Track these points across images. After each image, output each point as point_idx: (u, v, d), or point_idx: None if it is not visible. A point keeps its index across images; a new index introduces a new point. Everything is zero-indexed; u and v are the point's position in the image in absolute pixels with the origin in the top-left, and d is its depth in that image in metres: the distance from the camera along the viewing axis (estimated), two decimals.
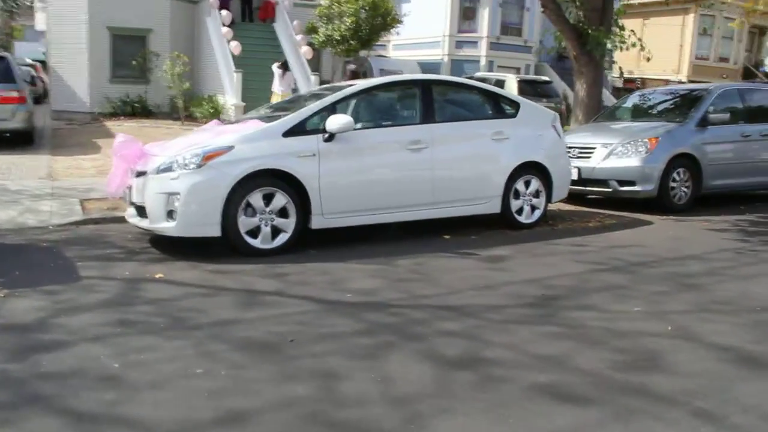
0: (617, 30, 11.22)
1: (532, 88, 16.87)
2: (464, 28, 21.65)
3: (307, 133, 5.89)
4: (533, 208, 7.21)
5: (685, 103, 9.44)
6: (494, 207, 6.93)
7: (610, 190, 8.53)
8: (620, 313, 4.39)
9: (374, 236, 6.45)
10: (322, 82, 15.20)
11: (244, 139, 5.67)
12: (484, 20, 21.47)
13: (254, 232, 5.62)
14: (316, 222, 5.90)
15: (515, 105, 7.25)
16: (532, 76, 18.72)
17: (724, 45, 28.57)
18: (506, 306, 4.50)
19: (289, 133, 5.82)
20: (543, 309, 4.44)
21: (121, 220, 7.04)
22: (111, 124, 15.04)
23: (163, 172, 5.53)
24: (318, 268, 5.36)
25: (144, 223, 5.74)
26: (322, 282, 4.97)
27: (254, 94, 14.60)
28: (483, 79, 17.57)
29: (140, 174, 5.80)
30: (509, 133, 6.98)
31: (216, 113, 14.57)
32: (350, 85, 6.69)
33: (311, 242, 5.98)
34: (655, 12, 26.78)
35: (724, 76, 27.19)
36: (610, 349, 3.74)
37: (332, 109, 6.07)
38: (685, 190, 8.60)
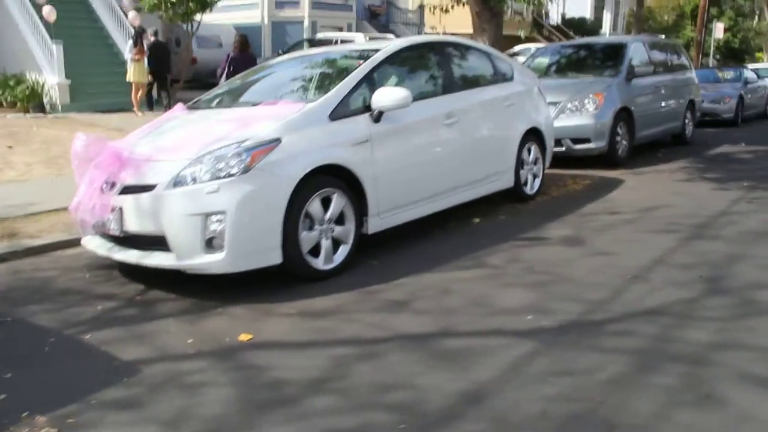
0: None
1: None
2: None
3: (352, 114, 4.53)
4: (533, 176, 6.62)
5: (603, 57, 9.52)
6: (508, 181, 6.19)
7: (563, 149, 8.26)
8: None
9: (389, 236, 5.30)
10: None
11: (288, 127, 4.13)
12: None
13: (313, 250, 4.19)
14: (373, 225, 4.61)
15: (509, 66, 6.51)
16: (378, 35, 17.96)
17: None
18: (697, 298, 3.85)
19: (335, 115, 4.41)
20: (731, 294, 3.87)
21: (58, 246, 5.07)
22: None
23: (189, 184, 3.81)
24: (422, 284, 4.16)
25: (155, 259, 3.95)
26: (466, 305, 3.82)
27: (78, 70, 11.75)
28: (328, 41, 16.56)
29: (129, 190, 3.97)
30: (513, 98, 6.25)
31: (35, 96, 11.46)
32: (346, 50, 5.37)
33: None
34: None
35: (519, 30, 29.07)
36: None
37: (371, 80, 4.74)
38: (625, 143, 8.69)
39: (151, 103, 13.11)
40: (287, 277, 4.14)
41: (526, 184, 6.48)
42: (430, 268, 4.48)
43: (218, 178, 3.79)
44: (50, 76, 12.05)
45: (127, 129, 10.89)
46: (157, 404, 2.76)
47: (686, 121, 10.62)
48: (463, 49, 6.02)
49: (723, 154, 9.67)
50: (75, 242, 5.43)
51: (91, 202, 4.10)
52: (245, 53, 9.30)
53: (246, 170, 3.81)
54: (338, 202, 4.27)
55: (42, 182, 7.54)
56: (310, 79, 5.16)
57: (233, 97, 5.23)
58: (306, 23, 18.72)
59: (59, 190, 7.07)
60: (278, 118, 4.16)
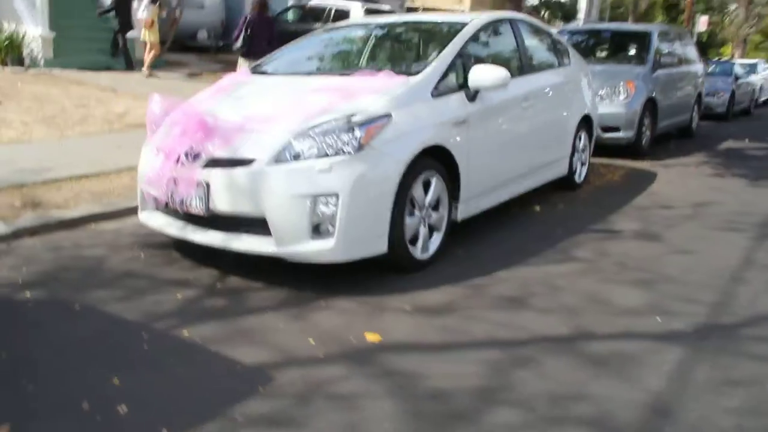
0: None
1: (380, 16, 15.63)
2: None
3: (450, 91, 4.18)
4: (582, 164, 6.43)
5: (629, 45, 9.39)
6: (563, 169, 5.99)
7: None
8: None
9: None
10: None
11: (397, 102, 3.75)
12: None
13: (413, 238, 3.86)
14: (462, 211, 4.32)
15: (566, 50, 6.25)
16: (375, 5, 17.28)
17: None
18: None
19: (436, 91, 4.05)
20: None
21: (93, 219, 4.61)
22: None
23: (295, 161, 3.40)
24: (524, 277, 3.91)
25: (247, 243, 3.54)
26: (585, 303, 3.59)
27: (61, 22, 10.82)
28: (322, 9, 15.89)
29: (219, 163, 3.53)
30: (572, 83, 6.03)
31: (14, 48, 10.49)
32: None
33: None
34: None
35: (498, 8, 28.90)
36: None
37: (463, 56, 4.39)
38: (649, 134, 8.61)
39: (129, 62, 12.26)
40: (365, 267, 3.77)
41: (575, 172, 6.29)
42: (522, 260, 4.24)
43: (328, 155, 3.41)
44: (32, 26, 11.00)
45: (121, 90, 10.21)
46: (314, 421, 2.41)
47: (693, 114, 10.66)
48: (534, 29, 5.73)
49: (734, 150, 9.72)
50: (112, 215, 4.98)
51: (167, 174, 3.64)
52: (264, 15, 8.75)
53: (359, 148, 3.44)
54: (437, 186, 3.96)
55: (48, 144, 6.88)
56: (395, 50, 4.78)
57: (313, 64, 4.79)
58: None
59: (71, 154, 6.50)
60: (384, 92, 3.78)
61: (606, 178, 7.08)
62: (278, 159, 3.42)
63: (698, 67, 10.86)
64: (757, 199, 6.37)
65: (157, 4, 11.97)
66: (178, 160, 3.63)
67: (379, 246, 3.59)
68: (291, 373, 2.71)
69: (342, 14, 15.33)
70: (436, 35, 4.80)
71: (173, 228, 3.84)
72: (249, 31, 8.53)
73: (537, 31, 5.80)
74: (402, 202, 3.64)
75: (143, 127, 8.08)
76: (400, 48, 4.84)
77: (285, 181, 3.38)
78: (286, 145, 3.43)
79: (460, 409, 2.50)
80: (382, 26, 5.24)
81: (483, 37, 4.79)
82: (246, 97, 4.02)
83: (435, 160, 3.93)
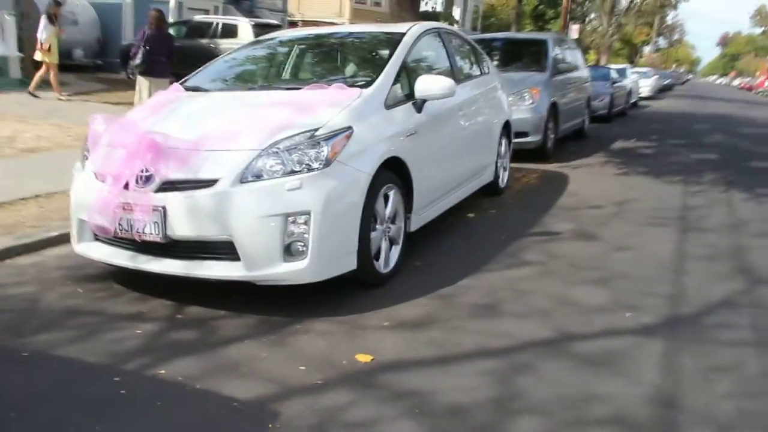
0: None
1: (269, 32, 15.28)
2: None
3: (399, 102, 4.12)
4: (504, 170, 6.60)
5: (526, 53, 9.81)
6: (489, 175, 6.11)
7: None
8: None
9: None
10: None
11: (355, 115, 3.63)
12: None
13: (376, 253, 3.75)
14: (415, 222, 4.27)
15: (485, 59, 6.41)
16: (264, 20, 16.89)
17: None
18: (750, 288, 4.02)
19: (387, 103, 3.98)
20: None
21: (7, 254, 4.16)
22: None
23: (262, 179, 3.20)
24: (488, 285, 3.92)
25: (211, 270, 3.27)
26: (555, 305, 3.65)
27: None
28: (208, 24, 15.37)
29: (175, 186, 3.25)
30: (494, 91, 6.19)
31: None
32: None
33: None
34: None
35: (378, 19, 29.35)
36: None
37: (406, 67, 4.35)
38: (553, 137, 9.03)
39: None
40: (325, 285, 3.54)
41: (498, 177, 6.44)
42: (478, 267, 4.25)
43: (295, 172, 3.23)
44: None
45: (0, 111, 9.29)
46: None
47: (585, 116, 11.34)
48: (459, 39, 5.81)
49: (627, 149, 10.41)
50: (28, 248, 4.48)
51: (114, 201, 3.30)
52: (162, 30, 8.29)
53: (327, 163, 3.29)
54: (395, 198, 3.88)
55: None
56: (334, 62, 4.64)
57: (252, 79, 4.54)
58: (172, 4, 17.06)
59: None
60: (341, 105, 3.65)
61: (523, 182, 7.32)
62: (243, 178, 3.20)
63: (586, 72, 11.57)
64: (666, 195, 6.83)
65: (56, 25, 11.17)
66: (126, 185, 3.31)
67: (350, 263, 3.45)
68: (296, 405, 2.52)
69: (229, 29, 14.99)
70: (374, 46, 4.74)
71: (121, 258, 3.49)
72: (148, 47, 8.06)
73: (462, 41, 5.90)
74: (367, 216, 3.53)
75: (37, 152, 7.50)
76: (340, 60, 4.73)
77: (253, 201, 3.17)
78: (250, 164, 3.22)
79: (483, 423, 2.43)
80: (315, 38, 5.10)
81: (418, 47, 4.78)
82: (193, 115, 3.73)
83: (391, 172, 3.86)
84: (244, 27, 14.81)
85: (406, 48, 4.45)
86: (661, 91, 31.16)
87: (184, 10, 18.88)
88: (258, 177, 3.21)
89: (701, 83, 67.23)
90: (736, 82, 64.47)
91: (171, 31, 16.38)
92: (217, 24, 15.28)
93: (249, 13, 21.55)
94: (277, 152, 3.26)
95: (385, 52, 4.43)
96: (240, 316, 3.37)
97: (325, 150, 3.31)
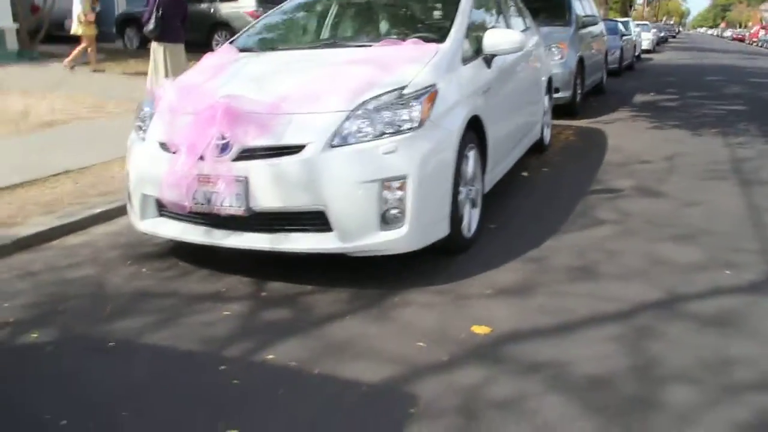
0: None
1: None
2: None
3: (471, 58, 3.86)
4: (546, 126, 6.37)
5: (548, 6, 9.46)
6: (538, 132, 5.88)
7: None
8: None
9: None
10: None
11: (438, 71, 3.37)
12: None
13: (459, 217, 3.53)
14: (488, 182, 4.04)
15: (526, 13, 6.11)
16: None
17: None
18: None
19: (462, 58, 3.71)
20: None
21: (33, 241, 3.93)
22: None
23: (354, 142, 2.96)
24: (574, 245, 3.73)
25: (301, 243, 3.04)
26: (650, 265, 3.48)
27: None
28: None
29: (256, 153, 3.00)
30: (539, 46, 5.92)
31: None
32: None
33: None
34: None
35: None
36: None
37: (472, 20, 4.08)
38: (580, 92, 8.78)
39: None
40: (404, 254, 3.25)
41: (543, 134, 6.21)
42: (555, 227, 4.07)
43: (386, 134, 2.99)
44: None
45: (5, 86, 8.87)
46: None
47: (604, 71, 11.07)
48: None
49: (650, 103, 10.20)
50: (73, 227, 4.23)
51: (189, 173, 3.05)
52: None
53: (420, 123, 3.05)
54: (474, 158, 3.65)
55: None
56: (398, 17, 4.36)
57: (313, 38, 4.26)
58: None
59: None
60: (421, 61, 3.38)
61: (561, 139, 7.11)
62: (334, 142, 2.95)
63: (602, 26, 11.27)
64: (711, 148, 6.66)
65: None
66: (201, 155, 3.05)
67: (443, 228, 3.24)
68: (431, 386, 2.33)
69: None
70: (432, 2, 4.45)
71: (194, 234, 3.24)
72: (160, 11, 7.63)
73: None
74: (457, 179, 3.31)
75: (55, 125, 7.15)
76: (401, 15, 4.44)
77: (347, 166, 2.92)
78: (340, 126, 2.98)
79: (636, 395, 2.26)
80: None
81: (477, 1, 4.49)
82: (263, 77, 3.43)
83: (471, 131, 3.62)
84: None
85: (469, 1, 4.17)
86: (659, 44, 30.81)
87: None
88: (348, 140, 2.96)
89: (692, 35, 66.75)
90: (728, 33, 64.06)
91: None
92: None
93: None
94: (366, 113, 3.00)
95: (446, 6, 4.15)
96: (328, 290, 3.16)
97: (418, 109, 3.06)
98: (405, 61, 3.38)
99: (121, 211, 4.54)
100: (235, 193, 3.00)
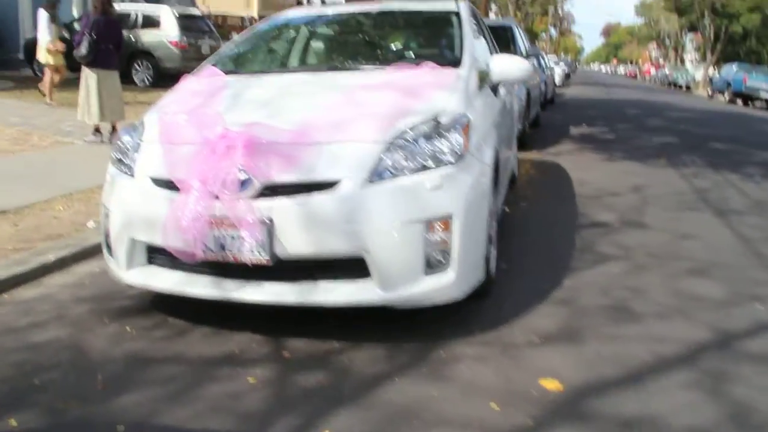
0: None
1: (193, 23, 14.14)
2: None
3: (480, 85, 3.62)
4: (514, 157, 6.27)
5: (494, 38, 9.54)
6: (515, 166, 5.68)
7: None
8: None
9: None
10: None
11: (466, 99, 3.09)
12: None
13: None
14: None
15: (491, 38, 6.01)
16: (186, 10, 15.51)
17: None
18: None
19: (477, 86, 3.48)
20: None
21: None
22: None
23: (392, 177, 2.62)
24: (596, 283, 3.55)
25: (334, 295, 2.63)
26: (683, 300, 3.35)
27: None
28: (125, 15, 13.99)
29: (282, 190, 2.60)
30: None
31: None
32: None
33: None
34: None
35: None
36: None
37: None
38: (527, 123, 8.83)
39: None
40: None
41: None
42: (563, 265, 3.88)
43: (426, 168, 2.67)
44: None
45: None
46: None
47: (539, 104, 11.31)
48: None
49: (587, 135, 10.45)
50: (24, 277, 3.59)
51: (200, 214, 2.59)
52: (109, 16, 7.24)
53: (461, 156, 2.76)
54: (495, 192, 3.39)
55: None
56: (395, 40, 4.06)
57: (309, 60, 3.88)
58: None
59: None
60: (446, 87, 3.11)
61: (523, 172, 7.03)
62: (373, 177, 2.61)
63: (535, 59, 11.54)
64: (668, 179, 6.82)
65: (56, 24, 9.81)
66: (212, 192, 2.60)
67: (482, 271, 2.94)
68: None
69: (150, 20, 13.77)
70: (428, 22, 4.21)
71: (199, 287, 2.76)
72: (93, 35, 7.00)
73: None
74: (490, 216, 3.04)
75: None
76: (399, 38, 4.16)
77: (390, 204, 2.57)
78: (379, 158, 2.64)
79: None
80: (354, 16, 4.44)
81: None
82: (272, 102, 3.01)
83: None
84: (167, 17, 13.62)
85: (470, 25, 3.96)
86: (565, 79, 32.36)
87: None
88: (383, 175, 2.62)
89: (587, 71, 71.03)
90: (621, 69, 68.67)
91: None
92: (137, 14, 13.95)
93: (158, 0, 20.10)
94: (404, 144, 2.68)
95: (444, 29, 3.94)
96: (359, 346, 2.77)
97: (459, 140, 2.77)
98: (430, 87, 3.09)
99: (76, 258, 3.97)
100: (257, 238, 2.58)
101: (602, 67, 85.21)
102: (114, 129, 7.37)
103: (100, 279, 3.62)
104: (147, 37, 13.36)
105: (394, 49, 4.07)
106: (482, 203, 2.89)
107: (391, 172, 2.63)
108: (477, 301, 3.18)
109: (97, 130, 7.30)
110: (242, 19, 24.64)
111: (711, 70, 34.93)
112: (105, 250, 3.14)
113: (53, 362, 2.67)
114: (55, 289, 3.51)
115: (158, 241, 2.74)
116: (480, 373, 2.55)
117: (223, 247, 2.63)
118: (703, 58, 41.34)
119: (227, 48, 4.14)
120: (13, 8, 15.08)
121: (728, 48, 38.45)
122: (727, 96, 25.36)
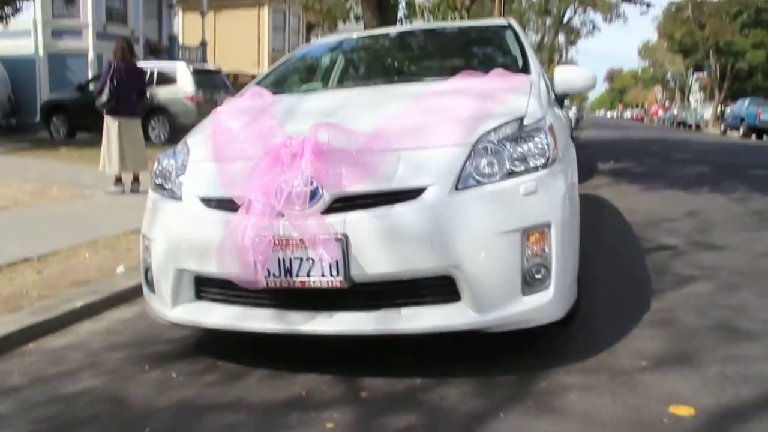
0: None
1: (208, 78, 14.16)
2: (62, 13, 16.42)
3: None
4: None
5: None
6: None
7: None
8: None
9: None
10: None
11: (542, 103, 2.78)
12: (87, 4, 16.74)
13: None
14: None
15: None
16: (201, 65, 15.65)
17: (294, 38, 29.52)
18: None
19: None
20: None
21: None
22: None
23: (484, 182, 2.30)
24: (695, 303, 3.17)
25: (421, 321, 2.26)
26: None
27: None
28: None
29: (356, 201, 2.28)
30: None
31: None
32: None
33: None
34: (227, 5, 26.38)
35: None
36: None
37: None
38: None
39: None
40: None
41: None
42: (646, 287, 3.51)
43: (518, 172, 2.35)
44: None
45: None
46: None
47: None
48: None
49: (619, 170, 10.11)
50: (49, 325, 3.25)
51: (262, 235, 2.26)
52: (130, 63, 7.11)
53: (553, 160, 2.44)
54: None
55: None
56: (455, 54, 3.85)
57: (368, 75, 3.66)
58: (91, 56, 15.65)
59: None
60: (521, 91, 2.81)
61: None
62: (460, 183, 2.29)
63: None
64: (719, 203, 6.49)
65: None
66: (275, 209, 2.28)
67: (575, 290, 2.58)
68: None
69: (165, 77, 13.81)
70: (484, 38, 4.00)
71: (259, 320, 2.40)
72: (115, 81, 6.85)
73: None
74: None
75: None
76: (458, 52, 3.93)
77: (484, 212, 2.24)
78: (464, 163, 2.32)
79: None
80: (413, 32, 4.24)
81: None
82: (335, 112, 2.70)
83: None
84: (183, 72, 13.64)
85: (525, 38, 3.72)
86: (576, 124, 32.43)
87: (104, 61, 17.49)
88: (469, 181, 2.30)
89: (593, 117, 71.38)
90: (628, 114, 68.81)
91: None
92: (152, 71, 13.98)
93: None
94: (490, 147, 2.37)
95: (502, 42, 3.71)
96: (445, 381, 2.38)
97: (547, 142, 2.45)
98: (505, 92, 2.80)
99: (107, 303, 3.64)
100: (330, 259, 2.23)
101: (608, 113, 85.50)
102: (136, 179, 7.15)
103: (134, 324, 3.30)
104: (163, 93, 13.34)
105: (456, 60, 3.81)
106: (576, 211, 2.56)
107: (478, 179, 2.31)
108: (564, 326, 2.82)
109: (118, 180, 7.07)
110: (253, 77, 24.97)
111: (719, 108, 34.99)
112: (145, 287, 2.80)
113: (90, 414, 2.31)
114: (85, 336, 3.18)
115: (211, 269, 2.40)
116: (595, 404, 2.16)
117: (289, 272, 2.28)
118: (710, 97, 41.49)
119: (268, 71, 3.90)
120: (30, 71, 15.23)
121: (734, 85, 38.61)
122: (741, 131, 25.16)
